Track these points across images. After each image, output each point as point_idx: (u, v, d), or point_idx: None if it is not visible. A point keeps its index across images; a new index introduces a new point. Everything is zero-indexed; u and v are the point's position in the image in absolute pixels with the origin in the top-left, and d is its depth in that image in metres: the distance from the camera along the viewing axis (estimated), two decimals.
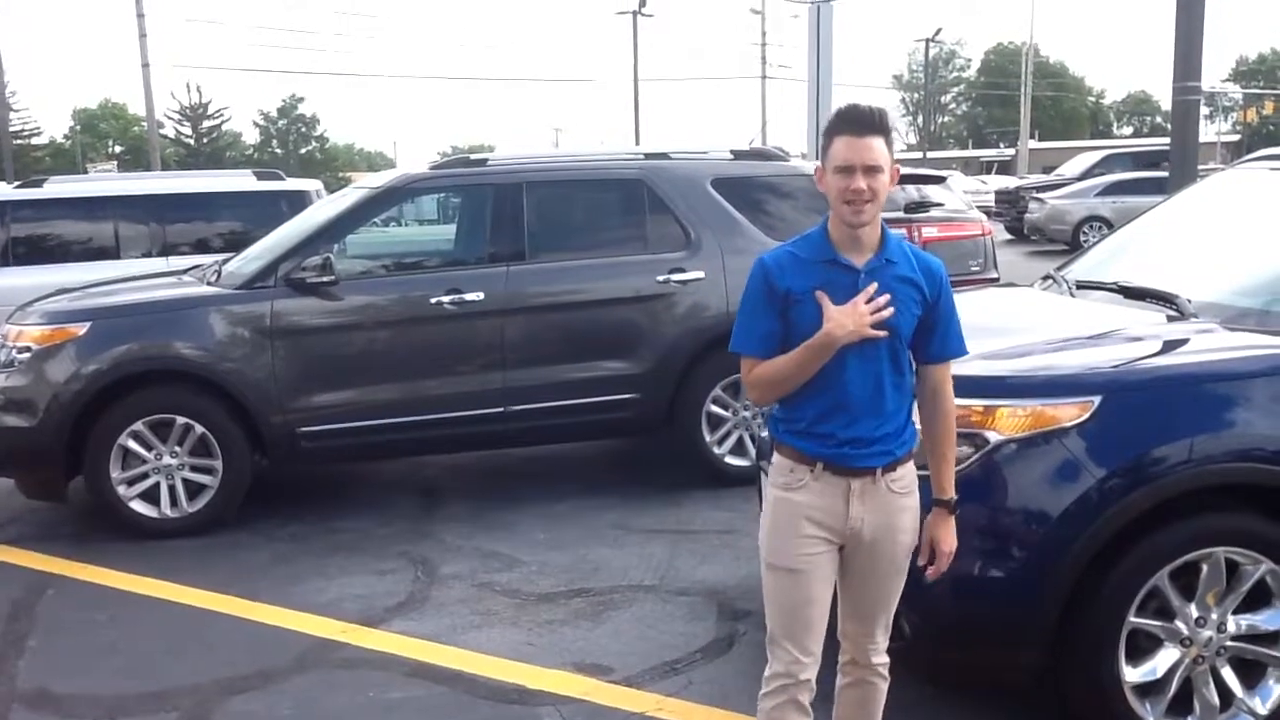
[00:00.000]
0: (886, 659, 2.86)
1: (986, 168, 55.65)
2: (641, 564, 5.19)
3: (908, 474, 2.72)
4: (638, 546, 5.44)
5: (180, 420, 5.73)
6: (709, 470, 6.38)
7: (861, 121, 2.56)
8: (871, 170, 2.54)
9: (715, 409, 6.34)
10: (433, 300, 5.98)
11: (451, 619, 4.62)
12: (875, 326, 2.55)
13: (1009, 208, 27.50)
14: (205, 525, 5.79)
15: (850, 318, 2.53)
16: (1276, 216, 4.26)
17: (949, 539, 2.74)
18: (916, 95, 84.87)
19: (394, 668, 4.17)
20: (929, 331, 2.68)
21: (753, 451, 6.11)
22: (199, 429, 5.74)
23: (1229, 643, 3.23)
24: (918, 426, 2.76)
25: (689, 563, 5.18)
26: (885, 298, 2.55)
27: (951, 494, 2.74)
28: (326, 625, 4.57)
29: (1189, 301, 3.73)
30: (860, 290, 2.57)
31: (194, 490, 5.81)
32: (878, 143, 2.55)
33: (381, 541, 5.65)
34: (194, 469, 5.79)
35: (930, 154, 58.87)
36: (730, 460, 6.37)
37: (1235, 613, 3.23)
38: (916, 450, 2.74)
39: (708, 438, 6.36)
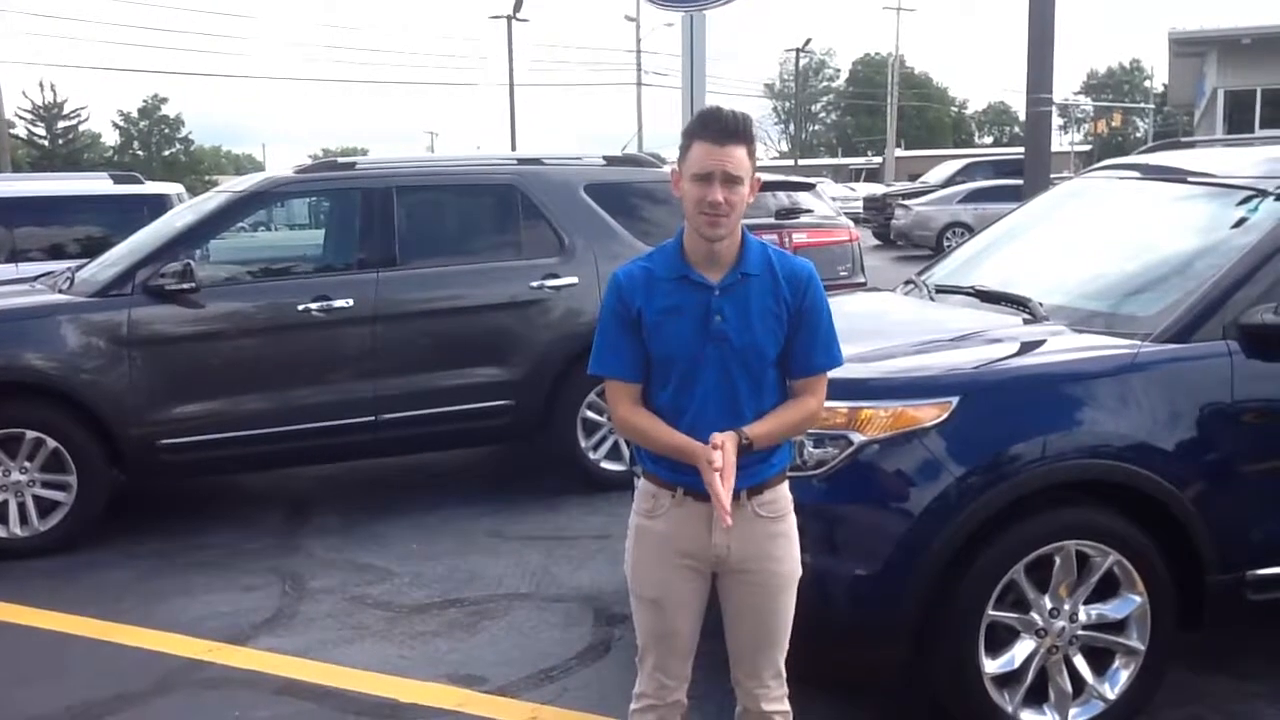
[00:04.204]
0: (784, 706, 2.67)
1: (855, 175, 57.14)
2: (517, 572, 5.16)
3: (779, 498, 2.58)
4: (513, 554, 5.40)
5: (30, 434, 5.46)
6: (584, 475, 6.39)
7: (723, 128, 2.40)
8: (731, 181, 2.39)
9: (590, 414, 6.35)
10: (300, 307, 5.85)
11: (321, 634, 4.51)
12: (733, 339, 2.45)
13: (877, 214, 28.31)
14: (59, 544, 5.53)
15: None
16: (1120, 223, 4.48)
17: (730, 463, 2.38)
18: (787, 104, 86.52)
19: (261, 686, 4.05)
20: (792, 341, 2.51)
21: (627, 455, 6.14)
22: (51, 443, 5.48)
23: (1080, 632, 3.37)
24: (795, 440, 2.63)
25: (565, 569, 5.17)
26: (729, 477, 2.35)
27: (751, 435, 2.45)
28: (190, 645, 4.42)
29: (1040, 305, 3.89)
30: (713, 312, 2.45)
31: (46, 508, 5.54)
32: (739, 151, 2.40)
33: (249, 556, 5.48)
34: (46, 485, 5.53)
35: (801, 161, 60.04)
36: (605, 465, 6.38)
37: (1086, 603, 3.37)
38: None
39: (583, 443, 6.37)
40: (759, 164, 2.57)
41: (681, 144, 2.49)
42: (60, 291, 5.92)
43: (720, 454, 2.37)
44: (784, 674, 2.68)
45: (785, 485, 2.61)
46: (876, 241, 26.75)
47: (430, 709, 3.83)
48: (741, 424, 2.46)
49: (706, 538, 2.54)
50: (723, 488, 2.34)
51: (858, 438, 3.26)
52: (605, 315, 2.54)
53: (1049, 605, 3.33)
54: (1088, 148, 63.46)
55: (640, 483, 2.65)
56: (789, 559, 2.60)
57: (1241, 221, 3.77)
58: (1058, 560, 3.31)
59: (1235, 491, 3.43)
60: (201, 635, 4.50)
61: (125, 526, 5.88)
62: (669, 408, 2.51)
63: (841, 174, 57.74)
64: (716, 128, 2.41)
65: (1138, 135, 73.93)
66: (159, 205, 8.48)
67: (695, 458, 2.43)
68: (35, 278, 6.56)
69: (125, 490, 5.97)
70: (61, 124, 63.47)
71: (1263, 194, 3.79)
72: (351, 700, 3.91)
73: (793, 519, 2.62)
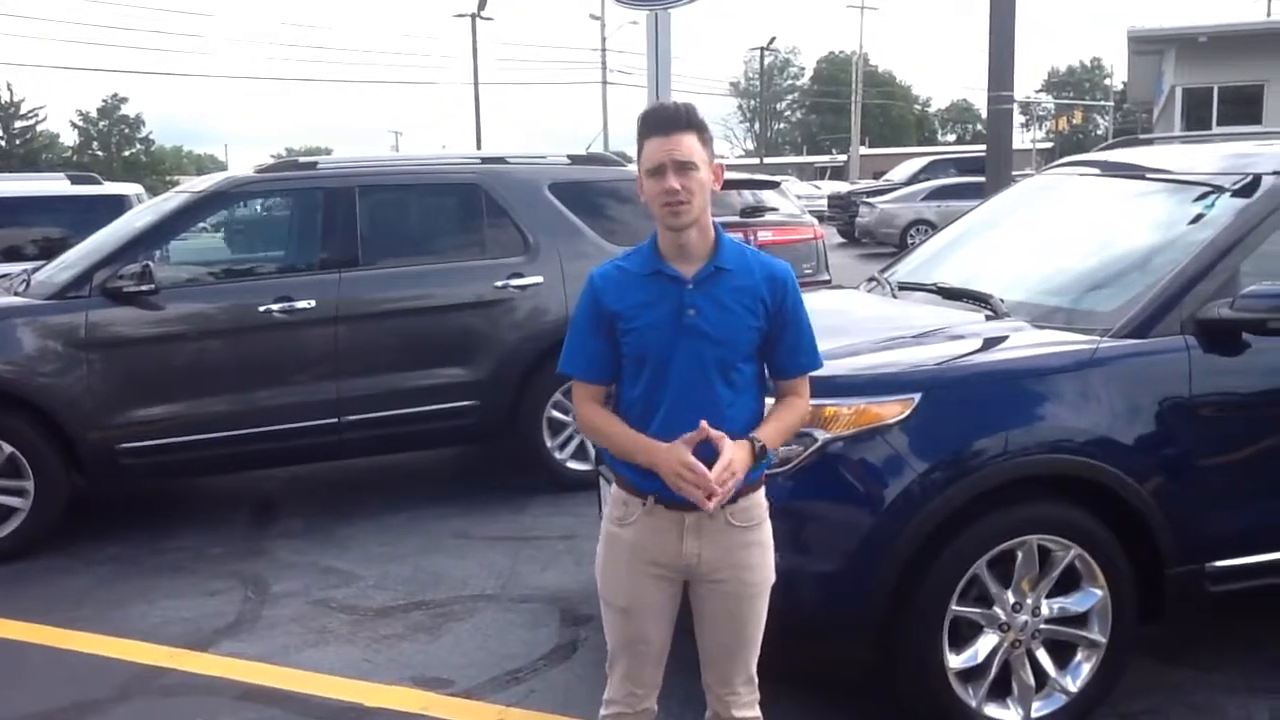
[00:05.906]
0: (753, 713, 2.65)
1: (820, 173, 57.39)
2: (482, 573, 5.13)
3: (753, 505, 2.53)
4: (479, 555, 5.38)
5: None
6: (550, 475, 6.37)
7: (667, 120, 2.43)
8: (683, 167, 2.39)
9: (556, 414, 6.33)
10: (261, 308, 5.78)
11: (284, 638, 4.47)
12: (708, 333, 2.42)
13: (841, 212, 28.41)
14: (16, 551, 5.43)
15: (675, 473, 2.36)
16: (1080, 219, 4.52)
17: (737, 460, 2.38)
18: (752, 102, 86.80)
19: (223, 692, 4.00)
20: (775, 343, 2.51)
21: (593, 455, 6.12)
22: (7, 448, 5.39)
23: (1043, 626, 3.39)
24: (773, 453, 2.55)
25: (531, 569, 5.15)
26: (727, 482, 2.36)
27: (763, 438, 2.45)
28: (150, 651, 4.36)
29: (1002, 301, 3.91)
30: (687, 304, 2.42)
31: (3, 514, 5.44)
32: (687, 138, 2.40)
33: (211, 561, 5.42)
34: (2, 491, 5.43)
35: (766, 159, 60.25)
36: (572, 465, 6.37)
37: (1048, 597, 3.39)
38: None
39: (549, 443, 6.35)
40: (727, 163, 2.56)
41: (637, 148, 2.51)
42: (16, 294, 5.82)
43: (696, 461, 2.35)
44: (755, 680, 2.66)
45: (760, 493, 2.56)
46: (841, 239, 26.85)
47: (395, 712, 3.79)
48: (720, 422, 2.40)
49: (677, 546, 2.50)
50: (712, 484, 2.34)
51: (822, 435, 3.27)
52: (578, 315, 2.54)
53: (1012, 600, 3.35)
54: (1049, 145, 64.16)
55: (612, 489, 2.62)
56: (762, 567, 2.56)
57: (1199, 217, 3.80)
58: (1020, 555, 3.33)
59: (1194, 485, 3.46)
60: (162, 641, 4.44)
61: (84, 532, 5.80)
62: (641, 404, 2.47)
63: (806, 172, 57.93)
64: (659, 120, 2.44)
65: (1098, 132, 74.78)
66: (117, 206, 8.38)
67: (655, 459, 2.40)
68: None
69: (84, 495, 5.88)
70: (18, 124, 62.52)
71: (1219, 190, 3.83)
72: (315, 705, 3.87)
73: (768, 527, 2.57)
